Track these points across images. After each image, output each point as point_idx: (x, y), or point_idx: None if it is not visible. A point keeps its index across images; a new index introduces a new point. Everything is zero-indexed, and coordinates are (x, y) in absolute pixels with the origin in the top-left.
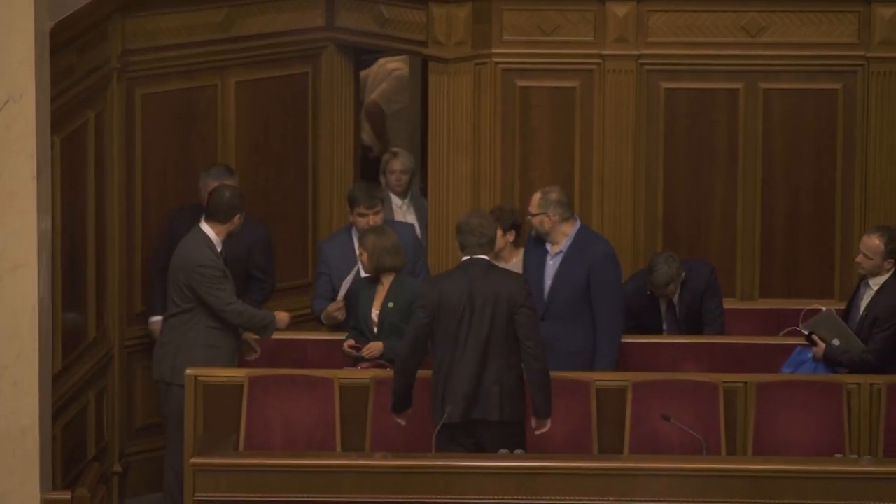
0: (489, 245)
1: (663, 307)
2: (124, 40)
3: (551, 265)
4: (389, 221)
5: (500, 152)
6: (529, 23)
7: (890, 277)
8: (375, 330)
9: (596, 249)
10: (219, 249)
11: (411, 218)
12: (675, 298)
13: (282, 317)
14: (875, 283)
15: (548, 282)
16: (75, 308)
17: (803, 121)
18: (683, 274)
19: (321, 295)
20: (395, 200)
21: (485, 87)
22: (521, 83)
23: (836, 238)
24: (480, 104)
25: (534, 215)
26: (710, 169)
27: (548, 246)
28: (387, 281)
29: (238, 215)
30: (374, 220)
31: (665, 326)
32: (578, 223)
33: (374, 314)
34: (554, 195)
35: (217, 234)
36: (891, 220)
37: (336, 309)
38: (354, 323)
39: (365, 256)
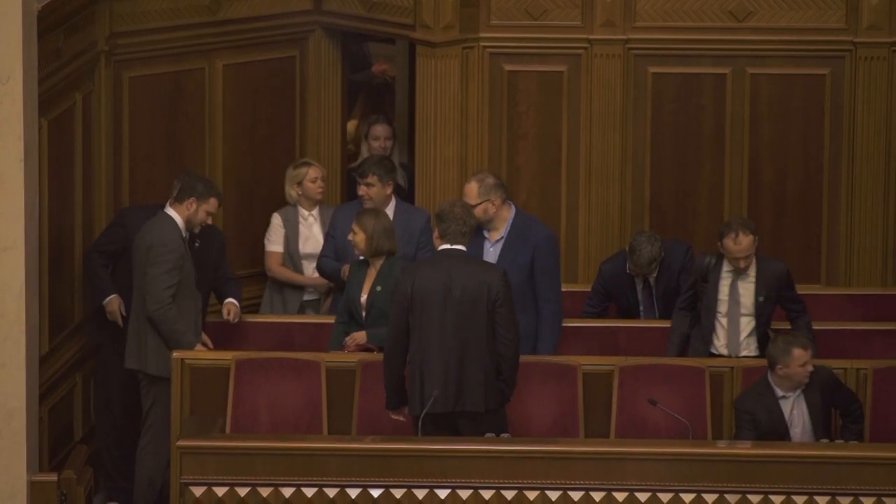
0: (469, 235)
1: (639, 286)
2: (112, 23)
3: (492, 252)
4: (402, 205)
5: (487, 136)
6: (517, 7)
7: (757, 261)
8: (364, 313)
9: (538, 231)
10: (184, 234)
11: (316, 229)
12: (652, 278)
13: (199, 346)
14: (749, 268)
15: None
16: (62, 290)
17: (790, 106)
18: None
19: (325, 254)
20: (302, 212)
21: (472, 71)
22: (509, 67)
23: (822, 222)
24: (468, 88)
25: (476, 205)
26: (697, 153)
27: (485, 233)
28: (377, 264)
29: (193, 200)
30: (364, 190)
31: (641, 307)
32: (514, 207)
33: (364, 298)
34: (490, 180)
35: (181, 213)
36: (877, 206)
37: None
38: (345, 304)
39: (361, 237)
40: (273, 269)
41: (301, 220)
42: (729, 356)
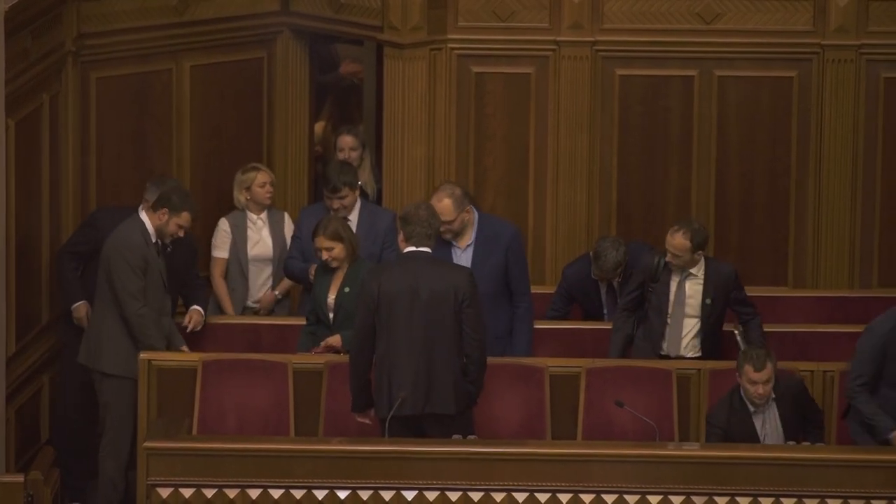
0: (434, 238)
1: (603, 290)
2: (79, 24)
3: (463, 258)
4: (367, 205)
5: (454, 138)
6: (485, 9)
7: (706, 263)
8: (331, 315)
9: (506, 230)
10: (153, 240)
11: (266, 233)
12: (616, 282)
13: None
14: (697, 270)
15: None
16: (29, 292)
17: (758, 108)
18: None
19: (292, 255)
20: (251, 216)
21: (440, 73)
22: (477, 69)
23: (789, 225)
24: (435, 89)
25: (454, 219)
26: (665, 156)
27: (452, 241)
28: (344, 266)
29: (165, 212)
30: (339, 203)
31: (605, 310)
32: (476, 210)
33: (331, 299)
34: (458, 191)
35: (152, 222)
36: (844, 209)
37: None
38: (312, 307)
39: (340, 249)
40: (215, 276)
41: (250, 224)
42: (670, 357)
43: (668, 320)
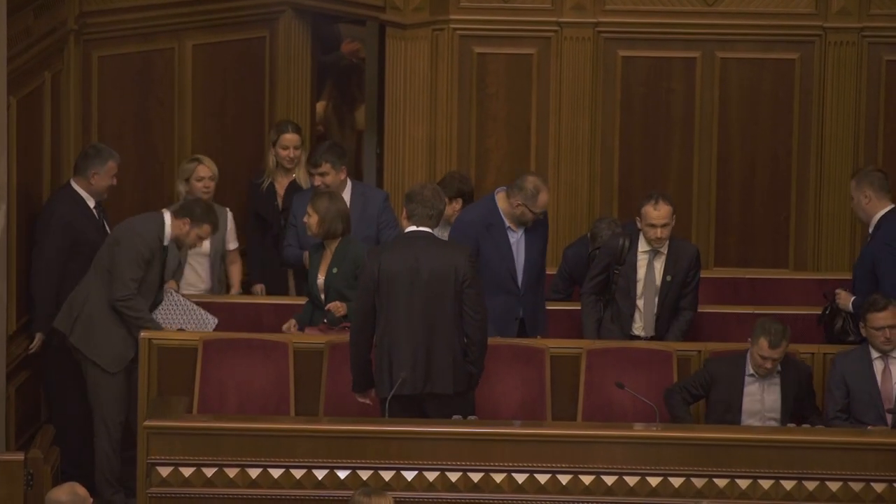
0: (437, 219)
1: None
2: (81, 2)
3: (515, 244)
4: (359, 186)
5: (456, 118)
6: None
7: (670, 242)
8: (322, 297)
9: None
10: (164, 243)
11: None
12: None
13: None
14: (664, 249)
15: (520, 260)
16: (30, 271)
17: (760, 90)
18: None
19: (289, 243)
20: None
21: (442, 53)
22: (479, 50)
23: (791, 207)
24: (437, 70)
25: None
26: (667, 137)
27: (510, 226)
28: (332, 247)
29: (187, 221)
30: (319, 180)
31: None
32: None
33: (321, 280)
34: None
35: (173, 228)
36: (845, 191)
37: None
38: (307, 289)
39: (315, 219)
40: None
41: None
42: (646, 338)
43: (639, 302)
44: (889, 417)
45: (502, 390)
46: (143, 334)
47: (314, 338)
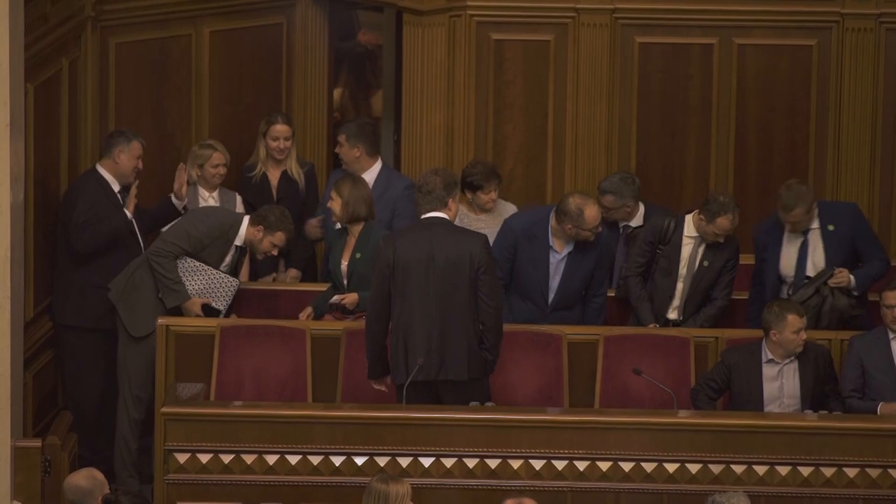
0: (444, 198)
1: (620, 249)
2: None
3: (554, 264)
4: (386, 170)
5: (473, 105)
6: None
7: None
8: (345, 281)
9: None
10: (237, 243)
11: None
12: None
13: (189, 307)
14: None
15: (556, 280)
16: (47, 257)
17: (777, 76)
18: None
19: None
20: (203, 193)
21: (459, 40)
22: (496, 36)
23: None
24: (454, 57)
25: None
26: (684, 123)
27: (555, 244)
28: (356, 231)
29: (261, 228)
30: (337, 149)
31: (615, 272)
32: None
33: (344, 265)
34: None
35: (248, 234)
36: (863, 177)
37: (313, 226)
38: (330, 274)
39: (337, 203)
40: None
41: (201, 201)
42: (679, 320)
43: (678, 284)
44: None
45: (519, 377)
46: (160, 321)
47: (331, 324)
